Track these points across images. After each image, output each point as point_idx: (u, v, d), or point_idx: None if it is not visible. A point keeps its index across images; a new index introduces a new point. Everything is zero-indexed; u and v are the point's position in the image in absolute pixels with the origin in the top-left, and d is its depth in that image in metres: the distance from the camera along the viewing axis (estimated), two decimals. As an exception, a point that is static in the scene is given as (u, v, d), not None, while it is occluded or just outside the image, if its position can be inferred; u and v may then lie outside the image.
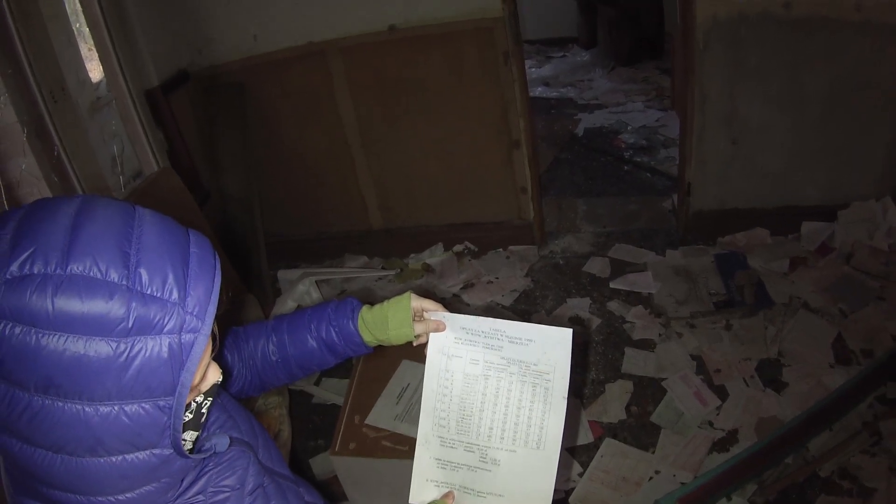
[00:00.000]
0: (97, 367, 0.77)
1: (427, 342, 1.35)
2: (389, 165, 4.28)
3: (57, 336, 0.75)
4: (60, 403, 0.78)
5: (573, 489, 2.82)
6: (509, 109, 3.94)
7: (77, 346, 0.76)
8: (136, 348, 0.79)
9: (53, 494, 0.86)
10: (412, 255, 4.53)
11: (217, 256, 0.91)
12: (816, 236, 3.92)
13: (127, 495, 0.88)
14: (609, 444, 2.99)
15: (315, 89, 4.05)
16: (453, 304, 3.75)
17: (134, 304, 0.78)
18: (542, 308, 3.90)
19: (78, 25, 3.32)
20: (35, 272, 0.76)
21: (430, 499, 1.37)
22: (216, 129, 4.09)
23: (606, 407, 3.18)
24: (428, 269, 4.37)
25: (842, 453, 2.74)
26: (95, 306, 0.76)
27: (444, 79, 3.93)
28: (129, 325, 0.78)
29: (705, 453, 2.88)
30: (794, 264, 3.80)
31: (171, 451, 0.87)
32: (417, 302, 1.34)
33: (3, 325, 0.75)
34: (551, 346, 1.29)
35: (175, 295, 0.82)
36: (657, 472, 2.85)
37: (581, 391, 3.27)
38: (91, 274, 0.77)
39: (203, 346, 0.85)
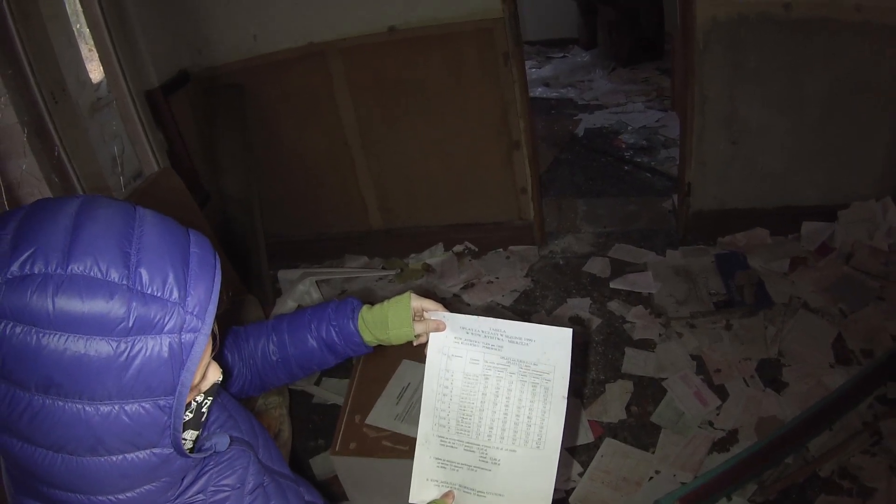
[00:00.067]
0: (98, 367, 0.77)
1: (427, 342, 1.35)
2: (389, 166, 4.28)
3: (57, 336, 0.75)
4: (61, 403, 0.78)
5: (573, 489, 2.82)
6: (509, 110, 3.94)
7: (77, 345, 0.76)
8: (137, 348, 0.79)
9: (54, 494, 0.86)
10: (412, 256, 4.53)
11: (217, 256, 0.91)
12: (816, 236, 3.92)
13: (127, 494, 0.88)
14: (609, 444, 2.99)
15: (315, 90, 4.05)
16: (453, 304, 3.75)
17: (134, 304, 0.78)
18: (542, 308, 3.90)
19: (78, 26, 3.32)
20: (36, 272, 0.76)
21: (431, 498, 1.37)
22: (216, 130, 4.09)
23: (607, 407, 3.18)
24: (428, 269, 4.37)
25: (842, 453, 2.74)
26: (96, 306, 0.76)
27: (444, 80, 3.93)
28: (130, 324, 0.78)
29: (705, 453, 2.88)
30: (794, 264, 3.80)
31: (172, 450, 0.87)
32: (417, 302, 1.34)
33: (3, 324, 0.75)
34: (551, 345, 1.29)
35: (175, 295, 0.82)
36: (657, 472, 2.85)
37: (581, 391, 3.27)
38: (91, 274, 0.77)
39: (203, 346, 0.86)
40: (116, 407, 0.80)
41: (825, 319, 3.43)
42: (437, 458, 1.37)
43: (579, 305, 3.84)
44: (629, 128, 5.99)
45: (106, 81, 3.44)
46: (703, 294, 3.75)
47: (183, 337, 0.83)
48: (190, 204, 3.57)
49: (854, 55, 3.50)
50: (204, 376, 0.95)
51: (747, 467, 2.75)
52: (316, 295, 4.14)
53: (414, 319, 1.33)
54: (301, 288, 4.13)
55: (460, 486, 1.36)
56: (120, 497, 0.88)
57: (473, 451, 1.34)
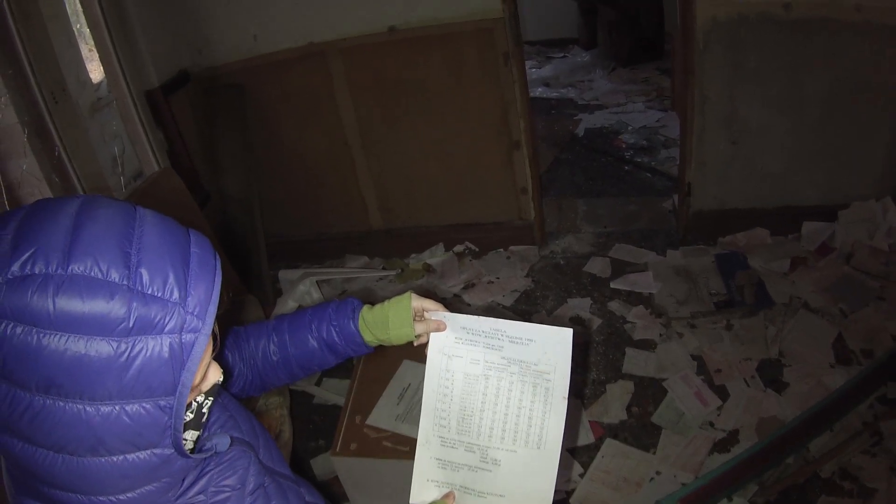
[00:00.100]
0: (98, 367, 0.77)
1: (427, 342, 1.35)
2: (389, 166, 4.28)
3: (58, 336, 0.75)
4: (61, 403, 0.78)
5: (574, 490, 2.82)
6: (509, 110, 3.94)
7: (78, 345, 0.76)
8: (137, 348, 0.79)
9: (55, 494, 0.86)
10: (413, 256, 4.53)
11: (217, 257, 0.91)
12: (817, 236, 3.92)
13: (128, 495, 0.88)
14: (610, 445, 2.99)
15: (315, 90, 4.05)
16: (454, 305, 3.76)
17: (135, 304, 0.78)
18: (542, 308, 3.90)
19: (78, 26, 3.32)
20: (36, 272, 0.76)
21: (431, 499, 1.37)
22: (216, 130, 4.09)
23: (607, 407, 3.18)
24: (429, 269, 4.37)
25: (842, 454, 2.74)
26: (96, 306, 0.76)
27: (444, 80, 3.93)
28: (130, 324, 0.78)
29: (706, 454, 2.88)
30: (795, 264, 3.80)
31: (172, 450, 0.87)
32: (418, 302, 1.34)
33: (4, 325, 0.75)
34: (552, 345, 1.29)
35: (176, 295, 0.82)
36: (658, 473, 2.85)
37: (582, 391, 3.27)
38: (92, 274, 0.77)
39: (204, 346, 0.86)
40: (117, 407, 0.80)
41: (825, 319, 3.43)
42: (437, 459, 1.37)
43: (580, 305, 3.84)
44: (629, 128, 6.00)
45: (106, 81, 3.44)
46: (704, 294, 3.75)
47: (183, 337, 0.83)
48: (190, 204, 3.57)
49: (854, 55, 3.50)
50: (204, 377, 0.95)
51: (748, 468, 2.75)
52: (316, 295, 4.14)
53: (414, 319, 1.33)
54: (301, 288, 4.13)
55: (461, 486, 1.36)
56: (121, 497, 0.87)
57: (474, 452, 1.34)
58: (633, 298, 3.83)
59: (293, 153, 4.30)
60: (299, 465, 3.04)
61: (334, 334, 1.35)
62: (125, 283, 0.78)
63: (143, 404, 0.81)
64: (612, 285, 3.96)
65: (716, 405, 3.09)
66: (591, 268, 4.15)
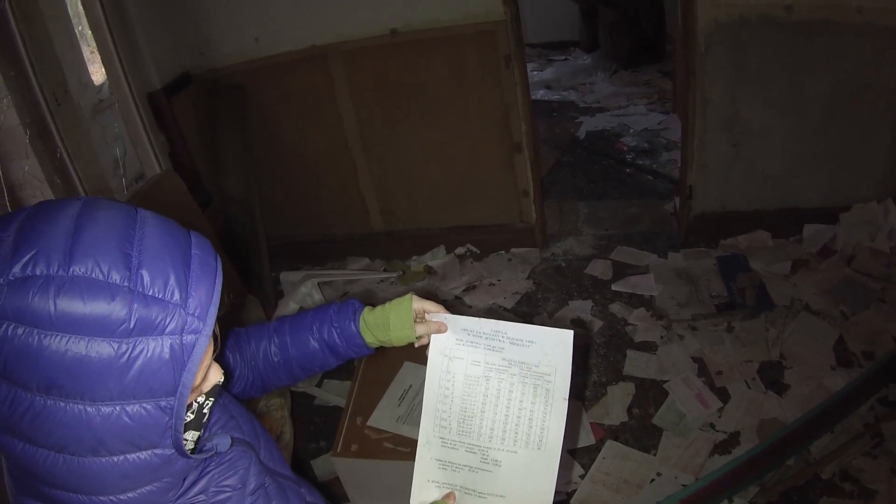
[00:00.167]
0: (99, 368, 0.77)
1: (428, 343, 1.36)
2: (391, 168, 4.29)
3: (59, 337, 0.76)
4: (62, 404, 0.78)
5: (574, 491, 2.83)
6: (511, 113, 3.94)
7: (79, 346, 0.76)
8: (138, 349, 0.79)
9: (55, 494, 0.87)
10: (414, 258, 4.53)
11: (218, 258, 0.92)
12: (818, 239, 3.92)
13: (129, 495, 0.88)
14: (611, 446, 2.99)
15: (316, 92, 4.06)
16: (455, 307, 3.76)
17: (135, 306, 0.79)
18: (543, 310, 3.90)
19: (80, 28, 3.33)
20: (37, 274, 0.76)
21: (432, 499, 1.37)
22: (218, 132, 4.10)
23: (608, 409, 3.18)
24: (430, 271, 4.37)
25: (843, 455, 2.73)
26: (97, 307, 0.77)
27: (445, 82, 3.93)
28: (131, 325, 0.78)
29: (707, 455, 2.88)
30: (796, 266, 3.80)
31: (173, 451, 0.88)
32: (419, 303, 1.34)
33: (5, 326, 0.75)
34: (552, 347, 1.29)
35: (176, 296, 0.82)
36: (659, 475, 2.85)
37: (583, 393, 3.27)
38: (93, 275, 0.77)
39: (204, 347, 0.86)
40: (118, 408, 0.80)
41: (826, 322, 3.43)
42: (438, 460, 1.37)
43: (581, 308, 3.84)
44: (631, 130, 5.99)
45: (108, 83, 3.45)
46: (705, 296, 3.74)
47: (184, 338, 0.83)
48: (192, 206, 3.57)
49: (855, 57, 3.50)
50: (205, 377, 0.95)
51: (749, 469, 2.75)
52: (318, 297, 4.14)
53: (415, 321, 1.33)
54: (303, 290, 4.13)
55: (461, 487, 1.36)
56: (121, 497, 0.88)
57: (474, 453, 1.34)
58: (634, 301, 3.83)
59: (294, 155, 4.30)
60: (300, 467, 3.04)
61: (335, 335, 1.35)
62: (126, 284, 0.79)
63: (144, 405, 0.82)
64: (614, 287, 3.96)
65: (717, 407, 3.09)
66: (592, 270, 4.15)
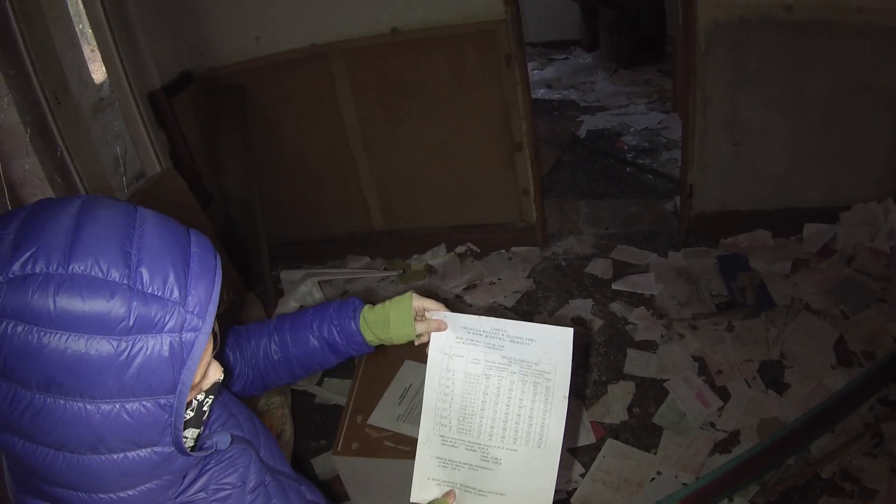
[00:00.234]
0: (98, 366, 0.77)
1: (428, 342, 1.36)
2: (391, 167, 4.29)
3: (58, 335, 0.76)
4: (62, 402, 0.78)
5: (575, 490, 2.82)
6: (511, 112, 3.94)
7: (78, 344, 0.76)
8: (137, 347, 0.79)
9: (55, 492, 0.87)
10: (414, 256, 4.53)
11: (218, 256, 0.92)
12: (818, 238, 3.92)
13: (129, 492, 0.88)
14: (611, 445, 2.99)
15: (317, 91, 4.06)
16: (456, 305, 3.75)
17: (135, 303, 0.79)
18: (544, 309, 3.90)
19: (81, 27, 3.33)
20: (37, 271, 0.76)
21: (432, 497, 1.37)
22: (219, 131, 4.10)
23: (608, 408, 3.18)
24: (430, 269, 4.38)
25: (843, 455, 2.73)
26: (97, 305, 0.77)
27: (446, 81, 3.93)
28: (130, 323, 0.78)
29: (707, 454, 2.88)
30: (796, 266, 3.80)
31: (173, 448, 0.88)
32: (419, 301, 1.34)
33: (5, 323, 0.75)
34: (552, 345, 1.29)
35: (176, 294, 0.82)
36: (659, 473, 2.85)
37: (583, 392, 3.27)
38: (92, 273, 0.78)
39: (204, 345, 0.86)
40: (117, 405, 0.80)
41: (827, 321, 3.43)
42: (438, 458, 1.37)
43: (581, 307, 3.84)
44: (631, 129, 6.00)
45: (108, 82, 3.45)
46: (705, 295, 3.74)
47: (183, 336, 0.83)
48: (192, 205, 3.57)
49: (855, 57, 3.50)
50: (205, 375, 0.95)
51: (749, 469, 2.75)
52: (318, 295, 4.14)
53: (415, 319, 1.33)
54: (303, 288, 4.14)
55: (461, 485, 1.36)
56: (121, 495, 0.88)
57: (475, 451, 1.34)
58: (634, 300, 3.83)
59: (294, 154, 4.30)
60: (300, 465, 3.05)
61: (335, 334, 1.35)
62: (125, 282, 0.79)
63: (144, 402, 0.82)
64: (614, 286, 3.96)
65: (717, 406, 3.09)
66: (592, 269, 4.15)
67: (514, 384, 1.32)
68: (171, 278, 0.83)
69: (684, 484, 2.76)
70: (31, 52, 2.74)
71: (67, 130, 2.91)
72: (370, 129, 4.15)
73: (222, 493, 1.01)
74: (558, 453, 1.30)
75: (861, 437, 2.78)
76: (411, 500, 1.39)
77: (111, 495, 0.87)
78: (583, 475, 2.88)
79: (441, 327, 1.33)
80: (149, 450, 0.85)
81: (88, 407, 0.79)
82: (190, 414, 0.96)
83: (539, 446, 1.31)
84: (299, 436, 3.15)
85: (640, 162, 5.40)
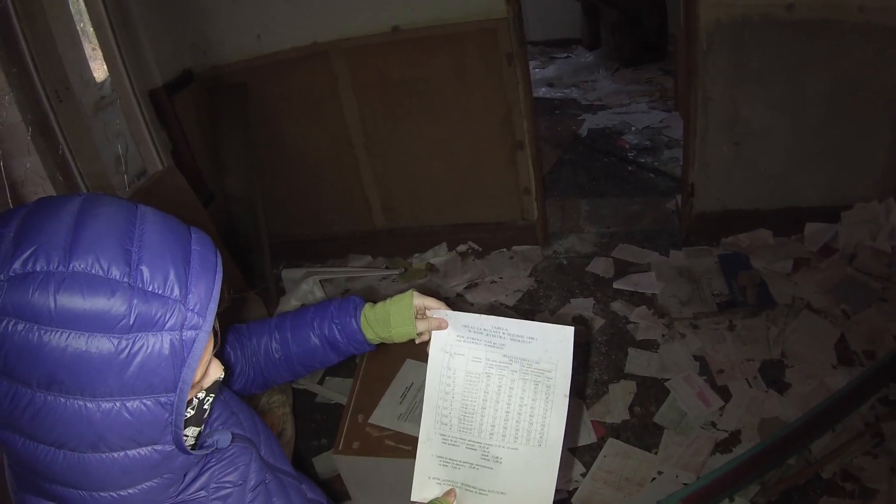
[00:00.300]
0: (99, 364, 0.77)
1: (429, 340, 1.36)
2: (393, 166, 4.29)
3: (59, 333, 0.76)
4: (63, 400, 0.78)
5: (576, 489, 2.82)
6: (513, 110, 3.94)
7: (79, 342, 0.76)
8: (138, 345, 0.79)
9: (56, 490, 0.87)
10: (416, 255, 4.53)
11: (218, 254, 0.92)
12: (819, 237, 3.91)
13: (129, 491, 0.88)
14: (612, 445, 2.99)
15: (319, 90, 4.06)
16: (457, 304, 3.75)
17: (135, 301, 0.79)
18: (545, 308, 3.90)
19: (82, 25, 3.33)
20: (38, 269, 0.76)
21: (432, 496, 1.37)
22: (220, 130, 4.10)
23: (609, 407, 3.18)
24: (431, 268, 4.37)
25: (844, 454, 2.73)
26: (97, 303, 0.77)
27: (447, 80, 3.93)
28: (131, 321, 0.78)
29: (708, 454, 2.88)
30: (797, 265, 3.80)
31: (173, 447, 0.88)
32: (420, 300, 1.34)
33: (5, 322, 0.75)
34: (553, 344, 1.29)
35: (176, 292, 0.82)
36: (660, 473, 2.85)
37: (584, 391, 3.27)
38: (93, 271, 0.78)
39: (204, 343, 0.86)
40: (118, 404, 0.80)
41: (828, 320, 3.42)
42: (438, 456, 1.37)
43: (583, 305, 3.84)
44: (633, 128, 6.00)
45: (110, 80, 3.45)
46: (707, 295, 3.74)
47: (184, 334, 0.83)
48: (194, 203, 3.57)
49: (856, 56, 3.50)
50: (206, 373, 0.95)
51: (750, 468, 2.75)
52: (319, 294, 4.14)
53: (416, 317, 1.33)
54: (304, 287, 4.14)
55: (462, 484, 1.36)
56: (122, 493, 0.88)
57: (475, 449, 1.34)
58: (635, 299, 3.83)
59: (296, 153, 4.30)
60: (301, 464, 3.05)
61: (336, 332, 1.35)
62: (126, 280, 0.79)
63: (144, 401, 0.82)
64: (615, 285, 3.96)
65: (718, 405, 3.09)
66: (594, 268, 4.15)
67: (515, 383, 1.32)
68: (172, 276, 0.83)
69: (685, 483, 2.76)
70: (32, 50, 2.74)
71: (69, 129, 2.91)
72: (372, 128, 4.15)
73: (223, 492, 1.01)
74: (559, 452, 1.30)
75: (861, 437, 2.78)
76: (412, 499, 1.39)
77: (112, 494, 0.87)
78: (584, 474, 2.88)
79: (442, 326, 1.33)
80: (149, 448, 0.85)
81: (89, 405, 0.79)
82: (191, 412, 0.96)
83: (540, 445, 1.31)
84: (300, 434, 3.15)
85: (642, 161, 5.40)
